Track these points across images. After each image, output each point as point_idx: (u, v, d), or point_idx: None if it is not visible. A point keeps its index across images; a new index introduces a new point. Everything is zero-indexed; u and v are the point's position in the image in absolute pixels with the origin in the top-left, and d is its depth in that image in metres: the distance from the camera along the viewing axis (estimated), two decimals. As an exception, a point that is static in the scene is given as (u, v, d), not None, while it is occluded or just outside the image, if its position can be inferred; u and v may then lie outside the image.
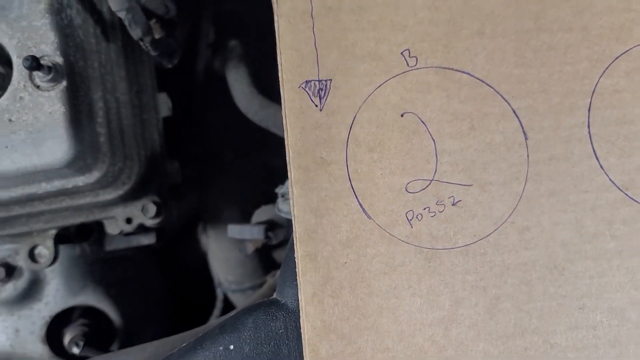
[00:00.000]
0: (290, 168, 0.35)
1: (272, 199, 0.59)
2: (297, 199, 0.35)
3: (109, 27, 0.51)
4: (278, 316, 0.37)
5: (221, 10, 0.63)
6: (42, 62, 0.43)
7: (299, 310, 0.35)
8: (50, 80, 0.44)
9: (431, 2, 0.36)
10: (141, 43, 0.49)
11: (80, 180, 0.48)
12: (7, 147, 0.44)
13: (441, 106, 0.36)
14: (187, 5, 0.56)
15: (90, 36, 0.49)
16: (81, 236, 0.60)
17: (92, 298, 0.63)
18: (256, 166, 0.66)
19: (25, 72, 0.44)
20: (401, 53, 0.36)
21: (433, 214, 0.35)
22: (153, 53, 0.50)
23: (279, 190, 0.47)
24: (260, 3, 0.63)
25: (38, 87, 0.44)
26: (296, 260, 0.35)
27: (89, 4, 0.49)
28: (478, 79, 0.36)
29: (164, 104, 0.58)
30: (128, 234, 0.60)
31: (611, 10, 0.37)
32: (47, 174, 0.46)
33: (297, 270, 0.35)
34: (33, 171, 0.45)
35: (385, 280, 0.35)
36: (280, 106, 0.56)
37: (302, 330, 0.34)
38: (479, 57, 0.36)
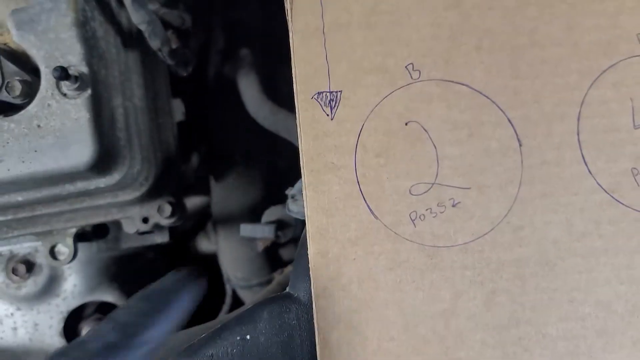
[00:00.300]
0: (303, 172, 0.38)
1: (279, 199, 0.62)
2: (310, 201, 0.38)
3: (128, 37, 0.54)
4: (291, 308, 0.40)
5: (231, 21, 0.66)
6: (69, 72, 0.46)
7: (311, 303, 0.38)
8: (77, 89, 0.47)
9: (433, 20, 0.39)
10: (159, 53, 0.52)
11: (102, 182, 0.51)
12: (36, 151, 0.47)
13: (442, 115, 0.39)
14: (201, 16, 0.59)
15: (111, 46, 0.52)
16: (98, 235, 0.63)
17: (107, 294, 0.65)
18: (264, 168, 0.69)
19: (53, 81, 0.47)
20: (405, 67, 0.39)
21: (435, 214, 0.38)
22: (170, 62, 0.53)
23: (289, 192, 0.50)
24: (268, 13, 0.66)
25: (65, 95, 0.47)
26: (309, 256, 0.38)
27: (110, 16, 0.52)
28: (476, 90, 0.39)
29: (178, 109, 0.61)
30: (143, 233, 0.63)
31: (599, 27, 0.40)
32: (71, 175, 0.49)
33: (309, 266, 0.38)
34: (59, 173, 0.48)
35: (390, 275, 0.38)
36: (289, 112, 0.60)
37: (314, 321, 0.37)
38: (477, 70, 0.39)
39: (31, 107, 0.47)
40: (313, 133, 0.38)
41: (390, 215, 0.38)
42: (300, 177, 0.56)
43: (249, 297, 0.70)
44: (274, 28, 0.65)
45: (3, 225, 0.57)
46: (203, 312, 0.74)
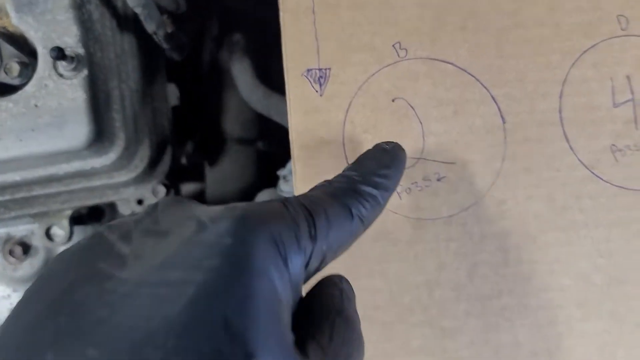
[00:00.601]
0: (292, 147, 0.39)
1: (271, 183, 0.63)
2: (299, 175, 0.39)
3: (123, 20, 0.55)
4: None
5: (225, 7, 0.67)
6: (66, 52, 0.48)
7: (300, 274, 0.39)
8: (73, 70, 0.48)
9: (419, 0, 0.41)
10: (154, 36, 0.53)
11: (97, 162, 0.52)
12: (33, 130, 0.48)
13: (428, 93, 0.40)
14: (195, 2, 0.60)
15: (107, 29, 0.53)
16: (94, 218, 0.64)
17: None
18: (257, 153, 0.70)
19: (50, 62, 0.48)
20: (393, 45, 0.40)
21: (420, 188, 0.39)
22: (165, 46, 0.54)
23: (281, 172, 0.51)
24: (261, 0, 0.67)
25: (61, 75, 0.48)
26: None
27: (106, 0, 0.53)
28: (461, 68, 0.40)
29: (173, 94, 0.63)
30: (138, 216, 0.64)
31: (581, 9, 0.41)
32: (68, 155, 0.50)
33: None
34: (56, 152, 0.49)
35: (376, 246, 0.39)
36: (281, 95, 0.61)
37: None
38: (462, 50, 0.41)
39: (29, 87, 0.48)
40: (303, 109, 0.39)
41: (377, 188, 0.39)
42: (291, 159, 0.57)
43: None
44: (267, 15, 0.66)
45: (0, 206, 0.58)
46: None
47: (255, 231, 0.22)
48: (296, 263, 0.23)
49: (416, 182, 0.39)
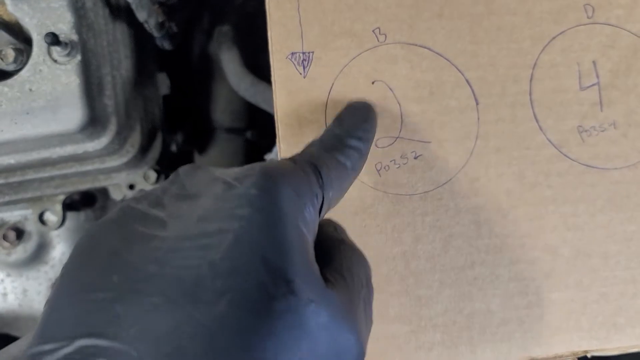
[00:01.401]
0: (277, 126, 0.42)
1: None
2: (284, 153, 0.41)
3: (116, 9, 0.57)
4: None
5: None
6: (60, 39, 0.49)
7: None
8: (67, 55, 0.50)
9: (398, -12, 0.43)
10: (145, 25, 0.55)
11: (90, 146, 0.54)
12: (27, 113, 0.50)
13: (406, 75, 0.42)
14: (185, -7, 0.62)
15: (100, 17, 0.55)
16: (86, 203, 0.66)
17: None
18: (245, 142, 0.72)
19: (45, 47, 0.50)
20: (372, 31, 0.43)
21: (398, 165, 0.42)
22: (156, 34, 0.56)
23: (267, 156, 0.53)
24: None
25: (55, 61, 0.50)
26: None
27: (99, -12, 0.55)
28: (437, 53, 0.43)
29: (164, 83, 0.64)
30: (129, 202, 0.66)
31: (550, -3, 0.44)
32: (61, 138, 0.52)
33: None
34: (50, 135, 0.51)
35: (356, 219, 0.41)
36: (268, 84, 0.63)
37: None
38: (438, 35, 0.43)
39: (24, 72, 0.50)
40: (287, 89, 0.42)
41: (357, 165, 0.41)
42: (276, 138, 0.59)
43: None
44: (254, 9, 0.68)
45: (-7, 191, 0.60)
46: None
47: (277, 183, 0.26)
48: (312, 207, 0.27)
49: (394, 160, 0.42)
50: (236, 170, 0.27)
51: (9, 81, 0.50)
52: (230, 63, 0.62)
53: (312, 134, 0.41)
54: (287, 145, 0.41)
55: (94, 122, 0.52)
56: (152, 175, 0.61)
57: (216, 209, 0.24)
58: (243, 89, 0.61)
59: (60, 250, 0.67)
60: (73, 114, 0.50)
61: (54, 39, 0.48)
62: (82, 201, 0.65)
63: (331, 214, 0.40)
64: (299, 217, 0.26)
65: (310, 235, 0.26)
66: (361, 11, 0.43)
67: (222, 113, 0.71)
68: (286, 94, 0.42)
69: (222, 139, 0.71)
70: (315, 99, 0.42)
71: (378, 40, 0.43)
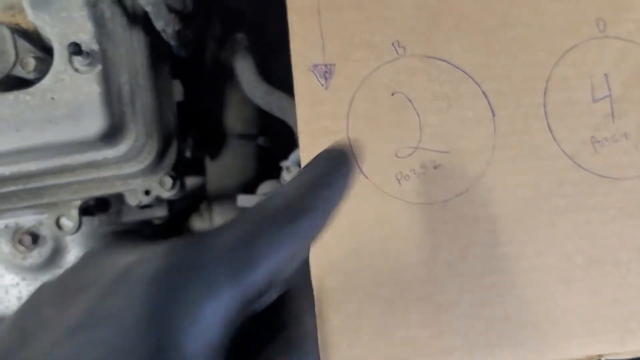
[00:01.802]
0: (300, 137, 0.43)
1: (272, 175, 0.66)
2: (306, 162, 0.42)
3: (133, 18, 0.58)
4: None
5: (227, 8, 0.70)
6: (82, 48, 0.50)
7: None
8: (88, 65, 0.51)
9: (415, 3, 0.44)
10: (163, 34, 0.56)
11: (109, 153, 0.55)
12: (50, 121, 0.51)
13: (424, 87, 0.43)
14: (199, 2, 0.63)
15: (118, 26, 0.56)
16: (101, 209, 0.66)
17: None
18: (257, 147, 0.73)
19: (66, 56, 0.51)
20: (392, 44, 0.44)
21: (418, 175, 0.43)
22: (173, 43, 0.57)
23: (284, 164, 0.54)
24: (262, 2, 0.70)
25: (77, 70, 0.51)
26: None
27: (117, -2, 0.56)
28: (454, 65, 0.44)
29: (178, 90, 0.65)
30: (143, 207, 0.67)
31: (563, 12, 0.45)
32: (82, 146, 0.53)
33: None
34: (72, 142, 0.51)
35: (378, 228, 0.42)
36: (282, 93, 0.64)
37: (311, 268, 0.41)
38: (455, 48, 0.44)
39: (46, 81, 0.51)
40: (309, 101, 0.43)
41: (379, 175, 0.43)
42: (293, 151, 0.60)
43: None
44: (266, 17, 0.69)
45: (13, 196, 0.60)
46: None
47: (173, 288, 0.21)
48: (217, 309, 0.22)
49: (414, 170, 0.43)
50: (135, 258, 0.23)
51: (31, 89, 0.51)
52: (244, 71, 0.63)
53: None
54: (308, 154, 0.43)
55: (114, 130, 0.52)
56: (168, 181, 0.62)
57: (90, 314, 0.21)
58: (258, 97, 0.62)
59: (74, 255, 0.68)
60: (95, 122, 0.51)
61: (76, 49, 0.49)
62: (97, 206, 0.66)
63: (350, 223, 0.42)
64: (201, 339, 0.21)
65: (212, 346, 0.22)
66: (380, 24, 0.44)
67: (234, 119, 0.72)
68: (308, 105, 0.43)
69: (235, 145, 0.72)
70: (336, 110, 0.43)
71: (397, 53, 0.44)
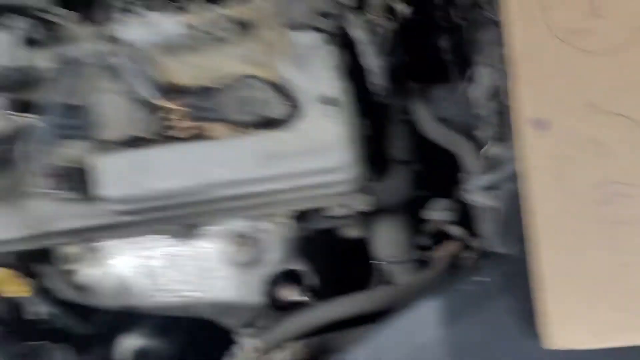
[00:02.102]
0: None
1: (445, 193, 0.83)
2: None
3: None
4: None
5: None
6: (329, 97, 0.67)
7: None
8: (335, 112, 0.67)
9: None
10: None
11: (341, 177, 0.71)
12: (304, 154, 0.67)
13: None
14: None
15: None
16: (302, 217, 0.82)
17: (297, 264, 0.85)
18: (419, 172, 0.89)
19: (316, 104, 0.67)
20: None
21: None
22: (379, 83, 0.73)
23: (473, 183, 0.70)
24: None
25: (327, 115, 0.67)
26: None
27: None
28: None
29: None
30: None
31: None
32: (325, 172, 0.69)
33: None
34: (316, 171, 0.68)
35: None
36: (456, 133, 0.80)
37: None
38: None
39: (301, 124, 0.67)
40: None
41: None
42: (469, 177, 0.75)
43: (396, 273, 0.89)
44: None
45: (242, 209, 0.77)
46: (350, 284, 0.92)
47: None
48: None
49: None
50: None
51: (291, 130, 0.67)
52: (425, 116, 0.80)
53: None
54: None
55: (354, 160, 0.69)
56: (363, 197, 0.77)
57: None
58: (437, 136, 0.79)
59: (274, 254, 0.84)
60: (341, 156, 0.67)
61: (329, 100, 0.66)
62: (300, 215, 0.82)
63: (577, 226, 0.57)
64: None
65: None
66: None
67: (395, 147, 0.88)
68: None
69: (396, 169, 0.87)
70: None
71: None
